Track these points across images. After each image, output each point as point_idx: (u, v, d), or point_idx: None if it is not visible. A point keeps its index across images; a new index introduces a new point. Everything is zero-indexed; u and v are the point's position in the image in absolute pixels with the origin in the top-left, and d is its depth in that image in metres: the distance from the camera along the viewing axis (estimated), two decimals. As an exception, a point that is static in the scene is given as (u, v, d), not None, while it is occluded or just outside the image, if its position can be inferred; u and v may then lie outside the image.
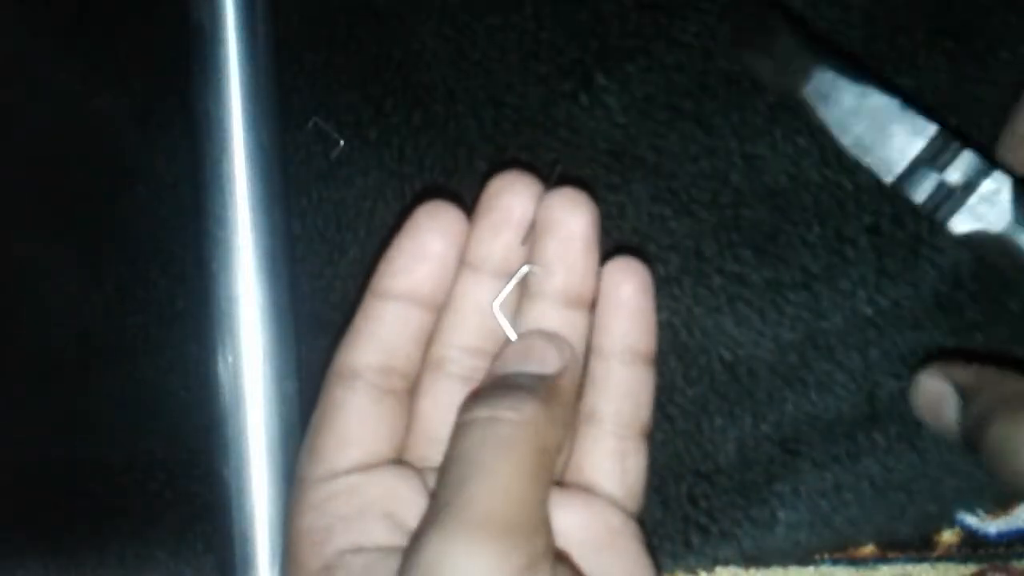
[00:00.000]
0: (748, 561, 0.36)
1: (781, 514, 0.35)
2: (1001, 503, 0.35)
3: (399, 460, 0.31)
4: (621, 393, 0.32)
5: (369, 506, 0.30)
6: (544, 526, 0.28)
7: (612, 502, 0.31)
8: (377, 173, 0.38)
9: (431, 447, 0.31)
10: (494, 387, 0.30)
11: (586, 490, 0.31)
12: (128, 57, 0.39)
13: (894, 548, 0.36)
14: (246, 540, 0.35)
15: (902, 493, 0.35)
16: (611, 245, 0.36)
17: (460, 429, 0.28)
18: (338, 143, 0.38)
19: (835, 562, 0.36)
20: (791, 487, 0.35)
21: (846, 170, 0.35)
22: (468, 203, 0.33)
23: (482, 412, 0.28)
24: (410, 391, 0.32)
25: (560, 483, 0.32)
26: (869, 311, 0.35)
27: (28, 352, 0.40)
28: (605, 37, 0.37)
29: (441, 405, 0.31)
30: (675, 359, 0.36)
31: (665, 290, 0.36)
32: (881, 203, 0.35)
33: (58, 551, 0.39)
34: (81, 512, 0.39)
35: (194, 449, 0.38)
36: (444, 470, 0.28)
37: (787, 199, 0.36)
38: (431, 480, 0.30)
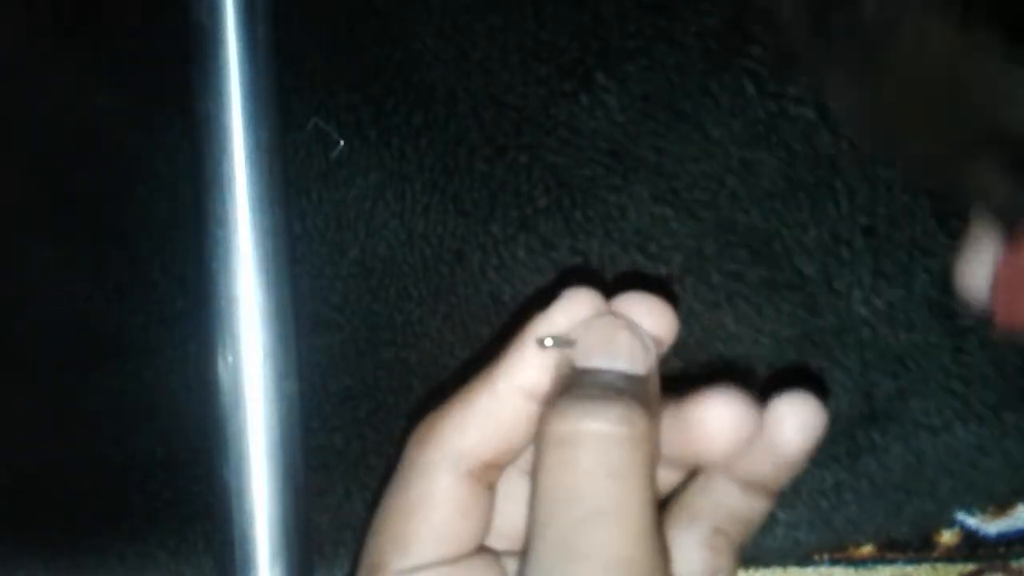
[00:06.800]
0: (747, 561, 0.36)
1: (781, 514, 0.36)
2: (1000, 503, 0.36)
3: (481, 547, 0.29)
4: (736, 518, 0.28)
5: None
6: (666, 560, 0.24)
7: None
8: (377, 173, 0.38)
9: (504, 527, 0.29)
10: (581, 387, 0.25)
11: None
12: (128, 57, 0.39)
13: (893, 548, 0.36)
14: (246, 540, 0.35)
15: (900, 492, 0.35)
16: (616, 245, 0.36)
17: (557, 446, 0.24)
18: (338, 143, 0.38)
19: (834, 562, 0.36)
20: (791, 487, 0.35)
21: (840, 173, 0.36)
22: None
23: (586, 423, 0.23)
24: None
25: None
26: (864, 311, 0.36)
27: (28, 352, 0.40)
28: (606, 37, 0.37)
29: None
30: (675, 356, 0.36)
31: (667, 289, 0.36)
32: (877, 205, 0.36)
33: (58, 551, 0.39)
34: (81, 512, 0.39)
35: (194, 449, 0.38)
36: (542, 500, 0.24)
37: (784, 201, 0.36)
38: (509, 566, 0.28)
